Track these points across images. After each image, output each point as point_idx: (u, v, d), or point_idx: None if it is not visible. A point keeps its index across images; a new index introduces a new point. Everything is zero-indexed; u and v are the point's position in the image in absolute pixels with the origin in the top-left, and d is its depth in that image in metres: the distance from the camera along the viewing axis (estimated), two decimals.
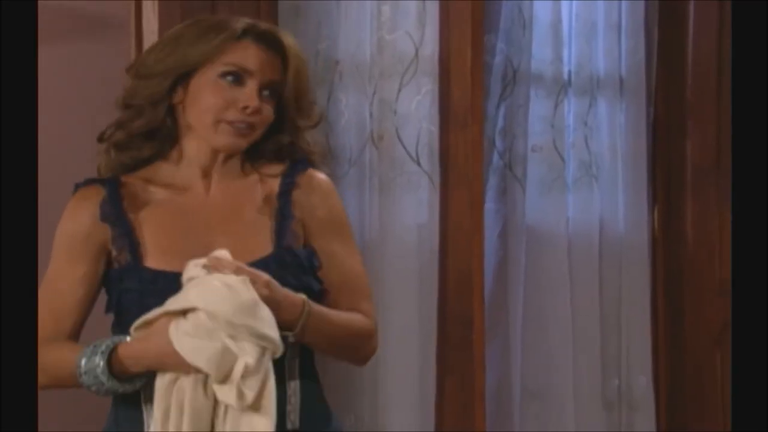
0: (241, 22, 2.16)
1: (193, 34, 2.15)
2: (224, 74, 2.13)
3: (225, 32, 2.14)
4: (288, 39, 2.19)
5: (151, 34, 2.68)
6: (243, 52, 2.14)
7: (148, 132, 2.18)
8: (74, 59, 2.88)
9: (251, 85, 2.14)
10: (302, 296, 2.09)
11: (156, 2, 2.72)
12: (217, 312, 1.96)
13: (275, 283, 2.04)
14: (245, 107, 2.12)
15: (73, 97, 2.82)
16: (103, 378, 2.03)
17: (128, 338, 2.06)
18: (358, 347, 2.23)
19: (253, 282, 1.99)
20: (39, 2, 2.78)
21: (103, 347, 2.05)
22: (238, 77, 2.14)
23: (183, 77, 2.16)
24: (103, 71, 2.72)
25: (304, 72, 2.20)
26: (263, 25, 2.19)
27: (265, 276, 2.02)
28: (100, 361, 2.03)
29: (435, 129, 3.00)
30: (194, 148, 2.18)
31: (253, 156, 2.23)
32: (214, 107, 2.13)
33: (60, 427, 2.69)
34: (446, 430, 3.03)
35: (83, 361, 2.05)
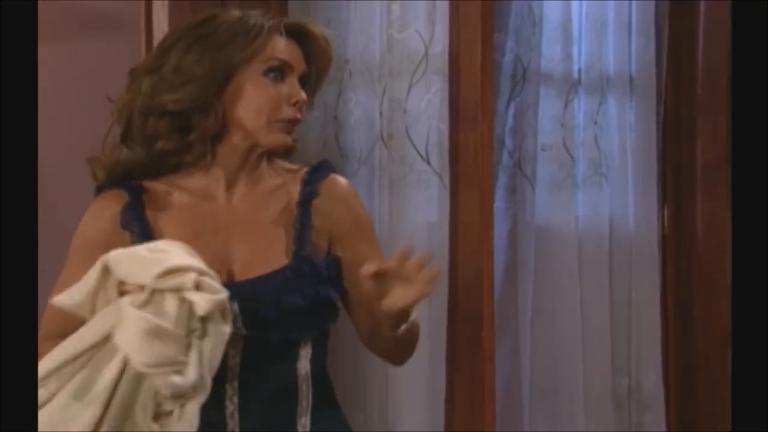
0: (270, 17, 2.13)
1: (228, 33, 2.10)
2: (268, 71, 2.11)
3: (263, 29, 2.11)
4: (320, 29, 2.18)
5: (161, 33, 2.68)
6: (280, 47, 2.12)
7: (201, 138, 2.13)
8: (84, 57, 2.89)
9: (292, 79, 2.13)
10: None
11: (166, 1, 2.72)
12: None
13: None
14: (296, 102, 2.11)
15: (83, 96, 2.82)
16: None
17: None
18: (414, 345, 2.23)
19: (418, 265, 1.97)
20: (49, 1, 2.79)
21: None
22: (280, 73, 2.12)
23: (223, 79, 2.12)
24: (113, 70, 2.73)
25: (331, 60, 2.21)
26: (290, 18, 2.19)
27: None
28: None
29: (445, 128, 2.99)
30: (226, 151, 2.14)
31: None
32: (267, 107, 2.11)
33: None
34: (456, 428, 3.03)
35: None
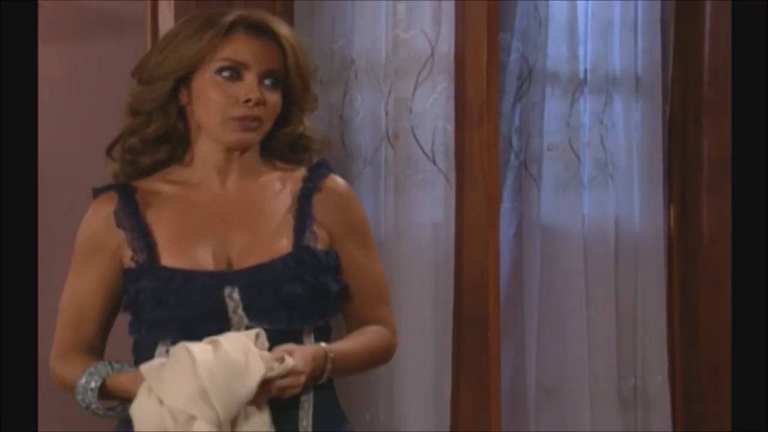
0: (231, 15, 2.15)
1: (186, 34, 2.14)
2: (220, 70, 2.13)
3: (213, 28, 2.13)
4: (280, 27, 2.17)
5: None
6: (235, 46, 2.13)
7: (161, 136, 2.18)
8: (91, 58, 2.89)
9: (249, 77, 2.13)
10: (322, 347, 2.10)
11: (172, 2, 2.72)
12: (161, 397, 1.98)
13: (305, 360, 2.04)
14: (247, 100, 2.11)
15: (90, 96, 2.82)
16: (92, 399, 2.07)
17: (125, 367, 2.10)
18: (379, 361, 2.28)
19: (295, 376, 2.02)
20: (56, 2, 2.79)
21: (101, 371, 2.08)
22: (234, 72, 2.13)
23: (184, 79, 2.16)
24: (120, 70, 2.73)
25: (303, 56, 2.18)
26: (254, 15, 2.17)
27: (298, 365, 2.03)
28: (94, 385, 2.07)
29: (450, 127, 2.99)
30: (207, 148, 2.18)
31: (268, 149, 2.23)
32: (219, 106, 2.12)
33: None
34: (462, 428, 3.03)
35: (81, 381, 2.08)
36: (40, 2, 2.79)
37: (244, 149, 2.18)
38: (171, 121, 2.17)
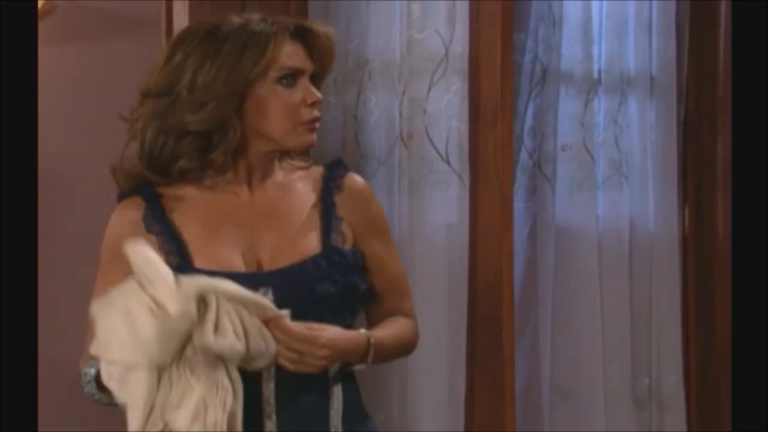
0: (273, 24, 2.15)
1: (237, 46, 2.11)
2: (280, 79, 2.14)
3: (272, 37, 2.13)
4: (322, 27, 2.19)
5: None
6: (287, 52, 2.14)
7: (207, 147, 2.15)
8: (106, 58, 2.90)
9: (304, 81, 2.15)
10: (364, 333, 2.12)
11: (186, 2, 2.73)
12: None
13: (335, 338, 2.05)
14: (313, 103, 2.15)
15: (107, 96, 2.83)
16: (92, 388, 2.07)
17: None
18: (406, 352, 2.29)
19: (312, 344, 2.01)
20: (71, 2, 2.80)
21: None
22: (292, 78, 2.14)
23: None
24: (136, 70, 2.74)
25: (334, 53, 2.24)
26: (291, 19, 2.19)
27: (323, 337, 2.03)
28: (94, 372, 2.06)
29: (464, 128, 2.99)
30: (247, 159, 2.17)
31: None
32: (288, 113, 2.14)
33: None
34: (476, 429, 3.03)
35: (86, 371, 2.08)
36: (58, 3, 2.81)
37: (307, 150, 2.20)
38: (236, 140, 2.13)
